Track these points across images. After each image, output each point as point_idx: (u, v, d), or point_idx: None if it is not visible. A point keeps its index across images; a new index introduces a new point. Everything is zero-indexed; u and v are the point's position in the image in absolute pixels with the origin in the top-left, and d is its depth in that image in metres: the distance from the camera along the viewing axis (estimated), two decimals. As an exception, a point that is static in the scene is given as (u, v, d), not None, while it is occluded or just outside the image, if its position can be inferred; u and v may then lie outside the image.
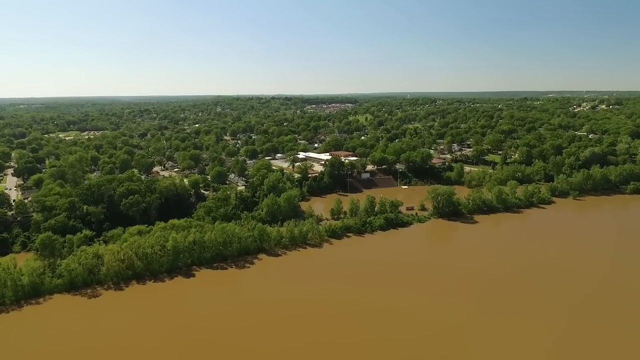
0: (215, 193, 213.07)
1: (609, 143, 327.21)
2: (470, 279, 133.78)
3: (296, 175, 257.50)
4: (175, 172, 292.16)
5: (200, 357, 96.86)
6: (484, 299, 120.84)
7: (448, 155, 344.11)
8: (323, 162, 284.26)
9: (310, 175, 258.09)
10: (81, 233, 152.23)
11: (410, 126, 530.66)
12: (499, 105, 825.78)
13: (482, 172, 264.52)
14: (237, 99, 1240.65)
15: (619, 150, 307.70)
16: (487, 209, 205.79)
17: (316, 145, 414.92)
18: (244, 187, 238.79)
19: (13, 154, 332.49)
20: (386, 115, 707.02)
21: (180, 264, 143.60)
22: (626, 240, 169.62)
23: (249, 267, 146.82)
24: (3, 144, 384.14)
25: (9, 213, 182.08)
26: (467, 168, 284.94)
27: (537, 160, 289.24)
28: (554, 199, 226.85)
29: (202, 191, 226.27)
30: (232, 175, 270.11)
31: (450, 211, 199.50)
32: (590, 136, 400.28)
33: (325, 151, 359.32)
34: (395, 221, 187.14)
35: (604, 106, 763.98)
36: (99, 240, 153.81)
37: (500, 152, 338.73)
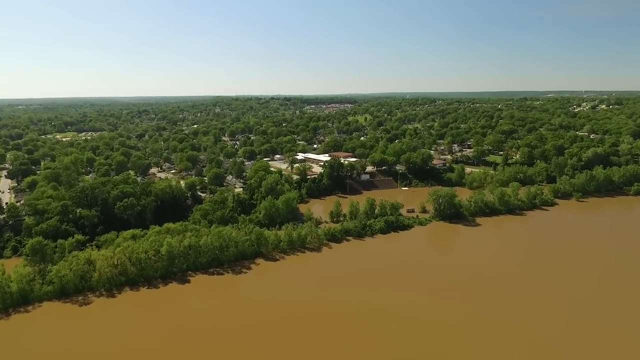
0: (212, 195, 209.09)
1: (610, 143, 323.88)
2: (474, 284, 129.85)
3: (295, 177, 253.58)
4: (172, 173, 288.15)
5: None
6: (490, 306, 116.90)
7: (448, 156, 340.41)
8: (322, 164, 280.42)
9: (309, 177, 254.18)
10: (73, 238, 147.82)
11: (410, 126, 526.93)
12: (498, 105, 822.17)
13: (483, 173, 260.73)
14: (236, 99, 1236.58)
15: (621, 150, 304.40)
16: (489, 211, 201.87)
17: (315, 146, 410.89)
18: (241, 189, 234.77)
19: (8, 156, 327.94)
20: (386, 115, 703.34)
21: (175, 270, 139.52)
22: (632, 243, 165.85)
23: (245, 272, 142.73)
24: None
25: (0, 217, 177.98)
26: (468, 169, 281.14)
27: (538, 161, 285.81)
28: (556, 200, 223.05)
29: (199, 193, 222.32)
30: (229, 177, 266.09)
31: (452, 213, 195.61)
32: (591, 136, 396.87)
33: (324, 152, 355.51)
34: (395, 224, 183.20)
35: (604, 106, 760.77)
36: (91, 245, 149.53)
37: (501, 152, 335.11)
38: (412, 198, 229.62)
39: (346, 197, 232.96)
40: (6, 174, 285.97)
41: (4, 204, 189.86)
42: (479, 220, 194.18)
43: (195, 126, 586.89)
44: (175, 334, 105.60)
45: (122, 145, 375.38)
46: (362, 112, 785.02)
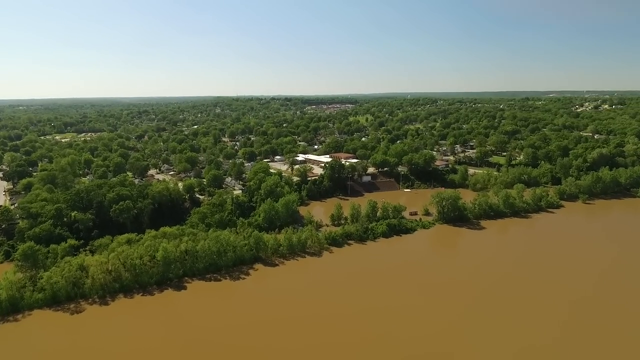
0: (210, 198, 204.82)
1: (616, 144, 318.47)
2: (480, 290, 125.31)
3: (295, 179, 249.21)
4: (171, 175, 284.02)
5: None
6: (497, 312, 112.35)
7: (451, 157, 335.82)
8: (323, 165, 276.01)
9: (309, 179, 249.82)
10: (66, 242, 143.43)
11: (412, 127, 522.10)
12: (500, 105, 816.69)
13: (487, 175, 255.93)
14: (237, 99, 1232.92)
15: (626, 151, 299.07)
16: (493, 213, 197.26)
17: (316, 146, 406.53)
18: (241, 191, 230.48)
19: (5, 157, 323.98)
20: (387, 115, 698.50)
21: (171, 275, 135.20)
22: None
23: (244, 278, 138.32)
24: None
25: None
26: (471, 170, 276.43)
27: (543, 162, 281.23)
28: (562, 202, 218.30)
29: (198, 196, 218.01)
30: (228, 179, 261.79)
31: (456, 216, 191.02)
32: (595, 137, 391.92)
33: (325, 153, 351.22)
34: (398, 227, 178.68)
35: (606, 106, 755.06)
36: (85, 250, 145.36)
37: (505, 153, 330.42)
38: (414, 200, 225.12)
39: (347, 199, 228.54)
40: (1, 175, 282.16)
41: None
42: (483, 223, 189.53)
43: (195, 127, 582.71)
44: (170, 343, 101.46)
45: (121, 147, 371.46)
46: (363, 112, 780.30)
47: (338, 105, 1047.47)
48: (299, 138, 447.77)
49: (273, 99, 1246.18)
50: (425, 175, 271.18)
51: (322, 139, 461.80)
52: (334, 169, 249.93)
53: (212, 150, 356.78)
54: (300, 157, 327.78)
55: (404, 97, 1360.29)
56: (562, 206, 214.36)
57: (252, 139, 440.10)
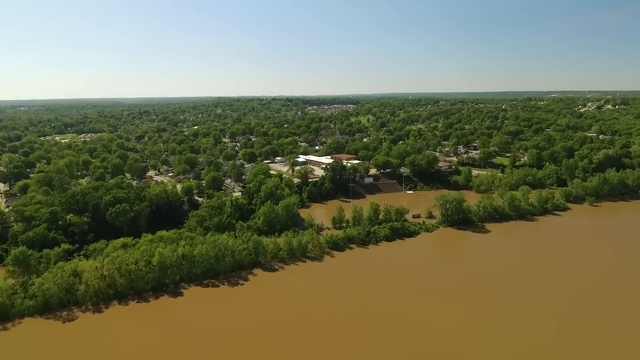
0: (209, 200, 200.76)
1: (621, 145, 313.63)
2: (487, 296, 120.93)
3: (296, 180, 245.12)
4: (170, 176, 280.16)
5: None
6: (508, 322, 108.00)
7: (454, 158, 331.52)
8: (324, 166, 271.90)
9: (310, 180, 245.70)
10: (59, 247, 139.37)
11: (414, 127, 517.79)
12: (502, 105, 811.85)
13: (491, 176, 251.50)
14: (238, 100, 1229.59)
15: (633, 152, 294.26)
16: (498, 216, 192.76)
17: (317, 147, 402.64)
18: (240, 193, 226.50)
19: (2, 158, 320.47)
20: (388, 116, 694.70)
21: (168, 281, 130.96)
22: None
23: (242, 283, 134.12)
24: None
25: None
26: (474, 171, 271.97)
27: (547, 163, 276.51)
28: (569, 204, 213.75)
29: (196, 198, 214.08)
30: (228, 181, 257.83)
31: (460, 219, 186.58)
32: (600, 137, 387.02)
33: (326, 154, 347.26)
34: (401, 231, 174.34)
35: (609, 106, 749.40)
36: (79, 255, 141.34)
37: (508, 154, 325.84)
38: (417, 202, 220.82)
39: (349, 202, 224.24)
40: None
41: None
42: (488, 226, 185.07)
43: (196, 127, 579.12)
44: (166, 352, 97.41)
45: (120, 147, 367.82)
46: (364, 112, 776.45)
47: (339, 106, 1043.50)
48: (300, 139, 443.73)
49: (274, 99, 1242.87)
50: (428, 176, 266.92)
51: (323, 139, 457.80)
52: (335, 170, 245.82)
53: (212, 151, 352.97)
54: (301, 158, 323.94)
55: (405, 97, 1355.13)
56: (569, 208, 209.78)
57: (252, 139, 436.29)
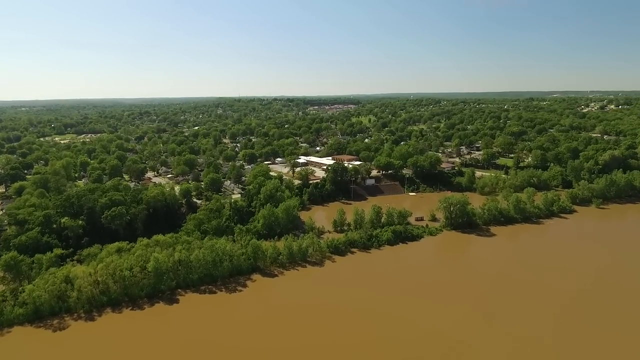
0: (208, 203, 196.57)
1: (627, 145, 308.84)
2: (494, 304, 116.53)
3: (296, 182, 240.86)
4: (169, 178, 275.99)
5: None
6: (511, 333, 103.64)
7: (457, 159, 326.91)
8: (325, 168, 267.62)
9: (311, 182, 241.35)
10: (52, 252, 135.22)
11: (416, 128, 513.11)
12: (504, 105, 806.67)
13: (495, 178, 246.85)
14: (239, 100, 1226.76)
15: (639, 153, 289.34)
16: (504, 219, 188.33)
17: (318, 148, 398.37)
18: (239, 195, 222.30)
19: (0, 159, 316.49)
20: (390, 116, 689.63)
21: (163, 287, 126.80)
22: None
23: (240, 290, 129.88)
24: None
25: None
26: (478, 173, 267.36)
27: (552, 165, 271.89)
28: (575, 207, 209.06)
29: (195, 200, 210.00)
30: (227, 182, 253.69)
31: (464, 222, 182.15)
32: (605, 138, 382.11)
33: (327, 154, 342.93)
34: (404, 234, 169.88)
35: (612, 106, 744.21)
36: (72, 260, 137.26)
37: (512, 155, 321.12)
38: (420, 204, 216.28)
39: (350, 204, 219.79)
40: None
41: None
42: (493, 229, 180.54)
43: (196, 128, 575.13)
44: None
45: (119, 148, 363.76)
46: (365, 113, 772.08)
47: (340, 106, 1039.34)
48: (301, 139, 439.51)
49: (275, 99, 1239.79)
50: (431, 178, 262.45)
51: (325, 140, 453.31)
52: (336, 172, 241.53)
53: (212, 152, 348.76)
54: (302, 159, 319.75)
55: (406, 97, 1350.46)
56: (575, 211, 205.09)
57: (253, 140, 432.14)
